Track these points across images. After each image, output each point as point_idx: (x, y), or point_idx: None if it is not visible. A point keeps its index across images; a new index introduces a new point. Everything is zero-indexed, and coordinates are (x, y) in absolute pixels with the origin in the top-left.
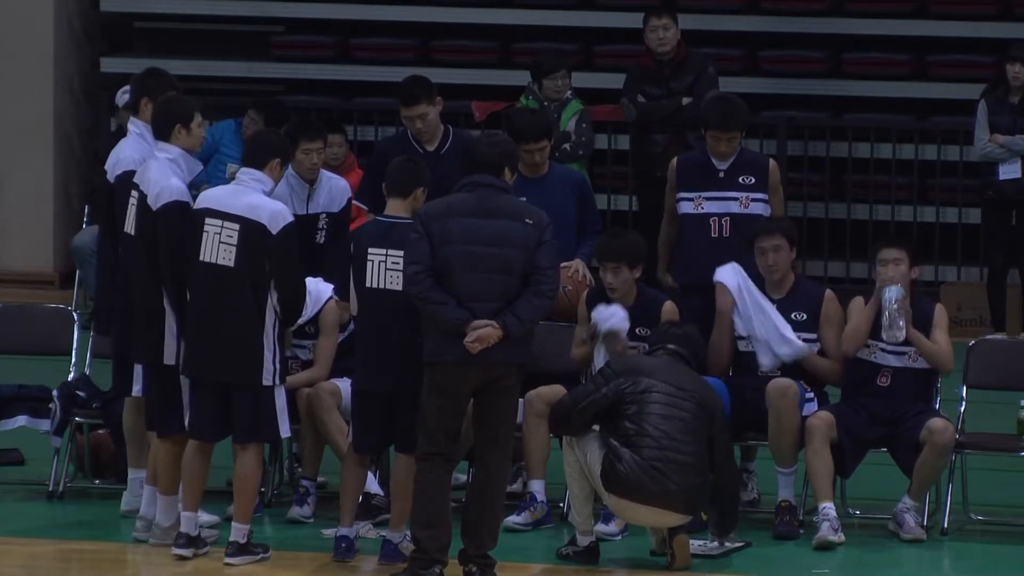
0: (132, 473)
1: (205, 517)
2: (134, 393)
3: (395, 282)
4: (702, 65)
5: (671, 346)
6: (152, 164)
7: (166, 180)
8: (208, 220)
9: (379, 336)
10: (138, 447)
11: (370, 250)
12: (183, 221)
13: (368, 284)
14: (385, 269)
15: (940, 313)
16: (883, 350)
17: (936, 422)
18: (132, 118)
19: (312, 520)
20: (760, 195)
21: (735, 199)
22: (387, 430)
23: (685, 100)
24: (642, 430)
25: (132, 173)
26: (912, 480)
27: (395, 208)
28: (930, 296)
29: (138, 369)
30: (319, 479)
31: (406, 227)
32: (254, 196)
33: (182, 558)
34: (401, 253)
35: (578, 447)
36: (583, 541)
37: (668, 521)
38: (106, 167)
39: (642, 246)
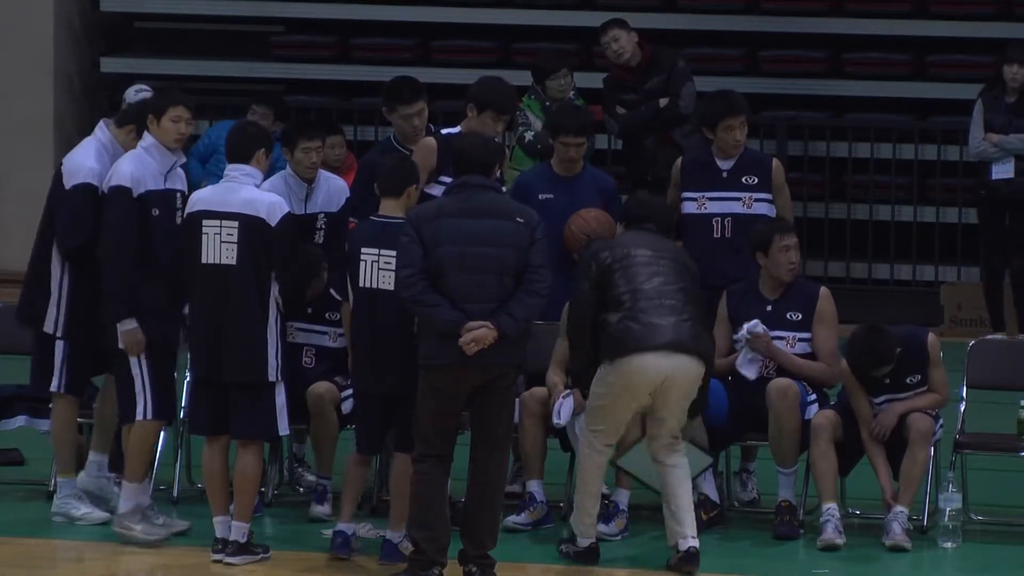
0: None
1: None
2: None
3: (387, 282)
4: (671, 62)
5: (647, 225)
6: (124, 156)
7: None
8: (205, 222)
9: (374, 336)
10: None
11: (363, 250)
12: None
13: (361, 284)
14: (378, 269)
15: (933, 347)
16: (879, 404)
17: (914, 415)
18: (107, 122)
19: (333, 518)
20: (763, 195)
21: (738, 199)
22: (387, 429)
23: (662, 101)
24: (634, 288)
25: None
26: (899, 482)
27: (388, 208)
28: (930, 297)
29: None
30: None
31: (400, 227)
32: (247, 191)
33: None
34: (394, 253)
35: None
36: (584, 542)
37: (683, 369)
38: (69, 168)
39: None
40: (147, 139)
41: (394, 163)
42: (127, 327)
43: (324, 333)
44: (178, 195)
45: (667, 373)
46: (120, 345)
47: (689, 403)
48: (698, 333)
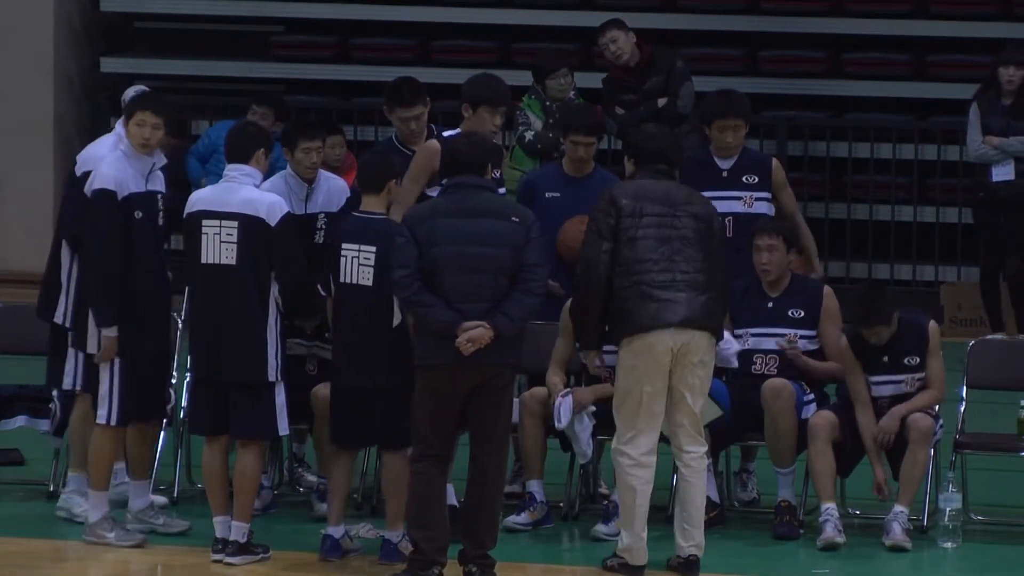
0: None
1: (157, 499)
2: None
3: (366, 278)
4: (670, 62)
5: (660, 167)
6: (104, 159)
7: (101, 151)
8: (205, 222)
9: (353, 331)
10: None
11: (343, 245)
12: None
13: (341, 279)
14: (358, 265)
15: (934, 332)
16: (875, 384)
17: (915, 415)
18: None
19: None
20: (764, 194)
21: (739, 198)
22: (367, 424)
23: (661, 101)
24: (645, 257)
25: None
26: (899, 482)
27: (370, 204)
28: (930, 297)
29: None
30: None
31: (380, 223)
32: (247, 191)
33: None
34: (373, 249)
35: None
36: (635, 561)
37: (696, 341)
38: (83, 157)
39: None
40: (124, 142)
41: (373, 159)
42: (109, 334)
43: (325, 349)
44: (159, 197)
45: (681, 342)
46: (96, 351)
47: (708, 380)
48: (711, 311)
